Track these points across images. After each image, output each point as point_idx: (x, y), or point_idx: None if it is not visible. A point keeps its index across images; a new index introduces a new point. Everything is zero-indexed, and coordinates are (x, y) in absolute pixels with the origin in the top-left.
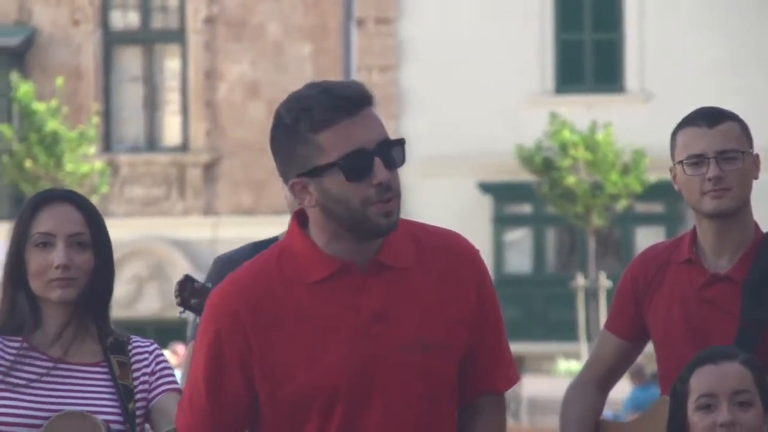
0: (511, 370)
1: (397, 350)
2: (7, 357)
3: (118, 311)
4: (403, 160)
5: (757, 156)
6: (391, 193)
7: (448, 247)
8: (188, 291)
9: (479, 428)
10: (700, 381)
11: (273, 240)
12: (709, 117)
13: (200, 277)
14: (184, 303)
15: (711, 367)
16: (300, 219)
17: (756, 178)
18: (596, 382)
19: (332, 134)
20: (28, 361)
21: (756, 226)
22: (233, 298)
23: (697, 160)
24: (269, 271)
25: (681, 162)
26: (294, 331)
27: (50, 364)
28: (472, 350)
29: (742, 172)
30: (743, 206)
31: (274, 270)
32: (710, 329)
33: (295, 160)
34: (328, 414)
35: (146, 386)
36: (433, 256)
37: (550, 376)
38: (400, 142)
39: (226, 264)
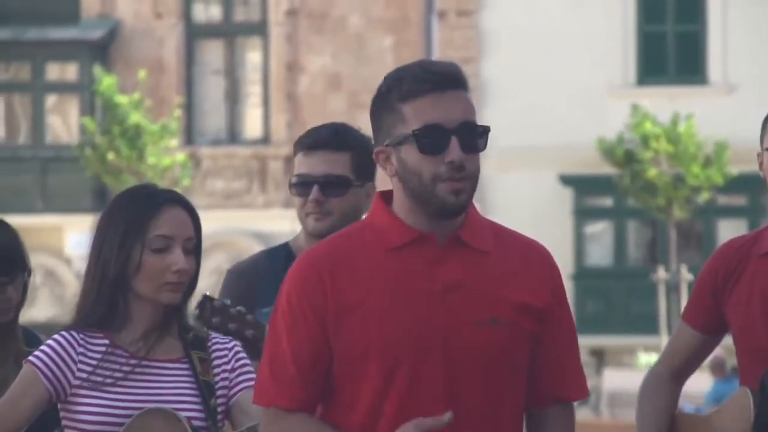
0: (583, 382)
1: (469, 323)
2: (93, 355)
3: None
4: (483, 147)
5: None
6: (463, 173)
7: (525, 244)
8: (209, 310)
9: None
10: None
11: (284, 246)
12: None
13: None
14: (205, 323)
15: None
16: (384, 197)
17: None
18: (672, 374)
19: (416, 106)
20: (113, 359)
21: None
22: (308, 261)
23: None
24: (349, 240)
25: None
26: (369, 292)
27: (135, 361)
28: (544, 352)
29: None
30: None
31: (354, 239)
32: None
33: (382, 129)
34: (391, 376)
35: (226, 383)
36: (510, 247)
37: (630, 370)
38: (484, 129)
39: (235, 275)
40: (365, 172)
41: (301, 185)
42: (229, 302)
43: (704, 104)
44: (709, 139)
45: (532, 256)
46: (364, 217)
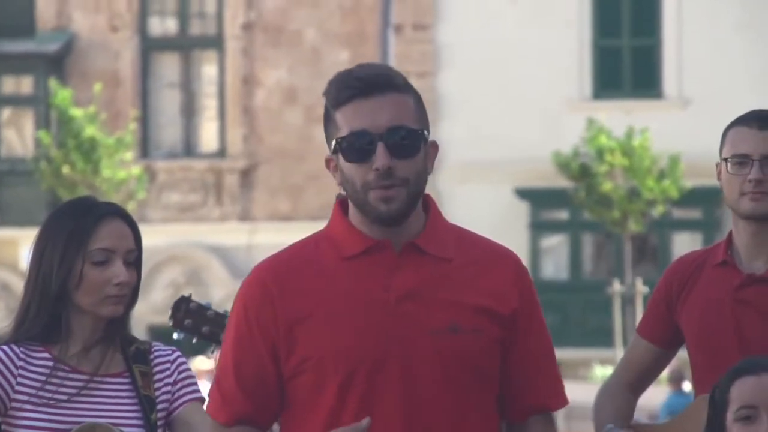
0: (560, 390)
1: (426, 332)
2: (34, 369)
3: (154, 317)
4: (416, 151)
5: None
6: (391, 180)
7: (492, 250)
8: (183, 312)
9: None
10: (741, 392)
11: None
12: (761, 119)
13: (237, 284)
14: (177, 323)
15: (752, 378)
16: (342, 206)
17: None
18: (627, 385)
19: (344, 112)
20: (59, 374)
21: None
22: (264, 271)
23: (741, 160)
24: (305, 249)
25: (726, 159)
26: (322, 302)
27: (84, 378)
28: (516, 361)
29: None
30: None
31: (310, 248)
32: (745, 330)
33: (327, 137)
34: (346, 388)
35: (168, 396)
36: (474, 251)
37: (586, 382)
38: (416, 132)
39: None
40: None
41: None
42: (209, 304)
43: (659, 118)
44: (664, 152)
45: (497, 262)
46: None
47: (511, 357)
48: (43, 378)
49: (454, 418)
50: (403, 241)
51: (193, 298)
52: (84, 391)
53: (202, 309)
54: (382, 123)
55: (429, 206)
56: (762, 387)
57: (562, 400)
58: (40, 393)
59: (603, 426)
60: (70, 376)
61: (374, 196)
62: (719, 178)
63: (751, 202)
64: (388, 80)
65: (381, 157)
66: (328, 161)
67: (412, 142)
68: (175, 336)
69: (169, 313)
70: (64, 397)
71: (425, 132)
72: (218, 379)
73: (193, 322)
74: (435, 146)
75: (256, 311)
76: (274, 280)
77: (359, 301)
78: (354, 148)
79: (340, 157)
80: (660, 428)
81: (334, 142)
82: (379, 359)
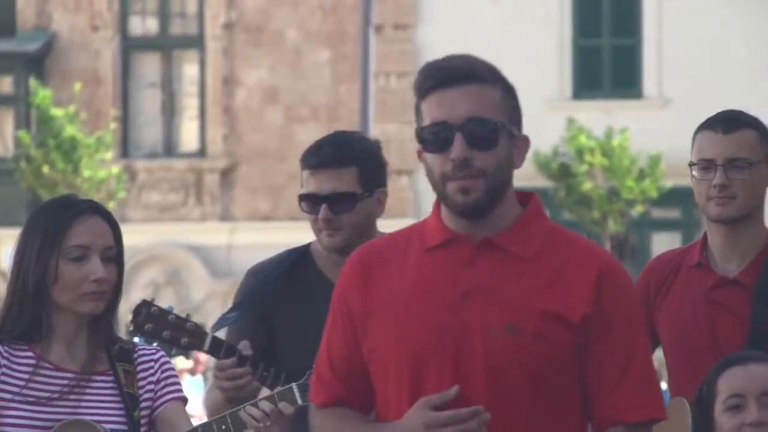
0: (645, 403)
1: (483, 329)
2: (18, 368)
3: None
4: (495, 143)
5: None
6: (468, 171)
7: (582, 251)
8: (143, 316)
9: None
10: (729, 382)
11: (306, 247)
12: (726, 122)
13: (217, 284)
14: (137, 328)
15: (739, 368)
16: None
17: None
18: None
19: (427, 103)
20: (43, 373)
21: (767, 232)
22: (356, 256)
23: (707, 165)
24: (398, 237)
25: (692, 165)
26: (396, 293)
27: (69, 376)
28: (594, 369)
29: (751, 182)
30: (752, 213)
31: (402, 236)
32: (719, 332)
33: (416, 126)
34: (402, 380)
35: (151, 394)
36: (559, 253)
37: None
38: (495, 124)
39: (251, 274)
40: (373, 181)
41: (310, 203)
42: (172, 308)
43: (639, 118)
44: (644, 152)
45: (581, 265)
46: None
47: (588, 364)
48: (26, 376)
49: (505, 425)
50: (484, 236)
51: (157, 301)
52: (68, 390)
53: (164, 313)
54: (461, 114)
55: (529, 203)
56: (750, 376)
57: (643, 415)
58: (24, 391)
59: None
60: (54, 374)
61: (452, 188)
62: (691, 181)
63: (717, 206)
64: (472, 71)
65: (458, 147)
66: (419, 153)
67: (491, 134)
68: (135, 340)
69: (130, 317)
70: (48, 395)
71: (508, 124)
72: (317, 361)
73: (154, 326)
74: (526, 141)
75: (344, 296)
76: (362, 266)
77: (427, 295)
78: (433, 138)
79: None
80: None
81: (418, 132)
82: (432, 353)
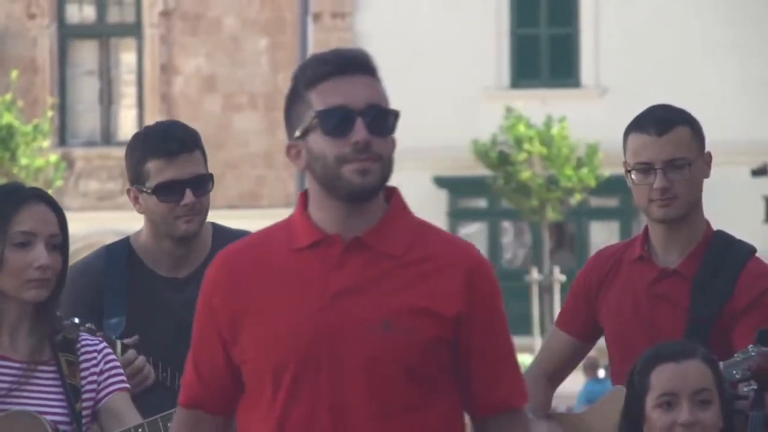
0: (521, 388)
1: (357, 328)
2: None
3: None
4: (392, 131)
5: (708, 155)
6: (368, 154)
7: (450, 247)
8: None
9: None
10: (661, 379)
11: (125, 240)
12: (658, 123)
13: None
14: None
15: (672, 365)
16: (305, 196)
17: (707, 176)
18: (546, 376)
19: (321, 89)
20: None
21: (707, 223)
22: (218, 264)
23: (645, 168)
24: (262, 238)
25: (629, 170)
26: (264, 294)
27: (15, 366)
28: (469, 360)
29: (691, 179)
30: (694, 206)
31: (266, 237)
32: (660, 323)
33: (292, 121)
34: (278, 382)
35: (94, 386)
36: (430, 249)
37: None
38: (394, 113)
39: (77, 274)
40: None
41: (170, 190)
42: (77, 320)
43: (577, 107)
44: (582, 141)
45: (450, 260)
46: None
47: (465, 358)
48: None
49: (383, 418)
50: (352, 235)
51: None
52: (5, 377)
53: (75, 327)
54: (362, 100)
55: (392, 199)
56: (683, 374)
57: (522, 400)
58: None
59: None
60: (1, 363)
61: (350, 169)
62: (627, 180)
63: (660, 208)
64: (366, 62)
65: (360, 130)
66: (289, 148)
67: (388, 121)
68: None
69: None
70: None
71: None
72: (186, 363)
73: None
74: (394, 141)
75: (209, 298)
76: (228, 270)
77: (297, 296)
78: (333, 122)
79: (313, 136)
80: (576, 417)
81: (307, 120)
82: (307, 354)
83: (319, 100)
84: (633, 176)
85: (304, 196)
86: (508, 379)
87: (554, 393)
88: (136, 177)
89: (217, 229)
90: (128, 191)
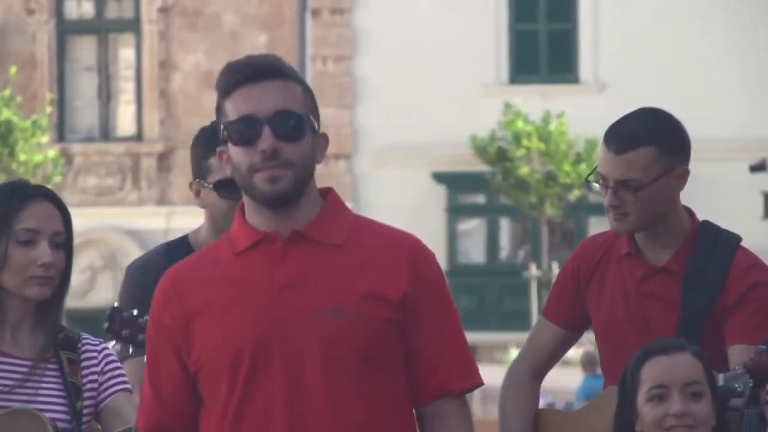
0: (468, 372)
1: (308, 317)
2: None
3: (71, 301)
4: (301, 135)
5: (685, 171)
6: (277, 161)
7: (389, 236)
8: (118, 323)
9: None
10: (652, 372)
11: (184, 238)
12: (621, 141)
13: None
14: (115, 335)
15: (663, 358)
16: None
17: (680, 189)
18: (532, 371)
19: (232, 99)
20: None
21: (691, 216)
22: (167, 276)
23: (602, 180)
24: (206, 252)
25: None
26: (214, 299)
27: (17, 362)
28: (416, 343)
29: (644, 200)
30: (659, 219)
31: (210, 250)
32: (651, 321)
33: (217, 129)
34: (234, 377)
35: (95, 385)
36: (369, 237)
37: (502, 366)
38: (299, 116)
39: (138, 272)
40: None
41: (230, 187)
42: (136, 312)
43: (575, 102)
44: (580, 137)
45: (391, 246)
46: None
47: (411, 340)
48: None
49: (337, 402)
50: (291, 229)
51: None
52: (6, 374)
53: (134, 318)
54: (269, 107)
55: (328, 197)
56: (673, 366)
57: (468, 383)
58: None
59: (507, 416)
60: (2, 360)
61: (260, 177)
62: None
63: (614, 221)
64: (275, 67)
65: (267, 138)
66: (220, 154)
67: (297, 127)
68: (110, 346)
69: (105, 324)
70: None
71: (312, 119)
72: (141, 386)
73: (131, 331)
74: (326, 138)
75: (159, 316)
76: (174, 282)
77: (245, 293)
78: (241, 132)
79: (230, 145)
80: (570, 417)
81: (222, 130)
82: (260, 346)
83: (231, 109)
84: (594, 186)
85: (243, 205)
86: (451, 363)
87: (541, 386)
88: (198, 171)
89: None
90: (190, 185)
